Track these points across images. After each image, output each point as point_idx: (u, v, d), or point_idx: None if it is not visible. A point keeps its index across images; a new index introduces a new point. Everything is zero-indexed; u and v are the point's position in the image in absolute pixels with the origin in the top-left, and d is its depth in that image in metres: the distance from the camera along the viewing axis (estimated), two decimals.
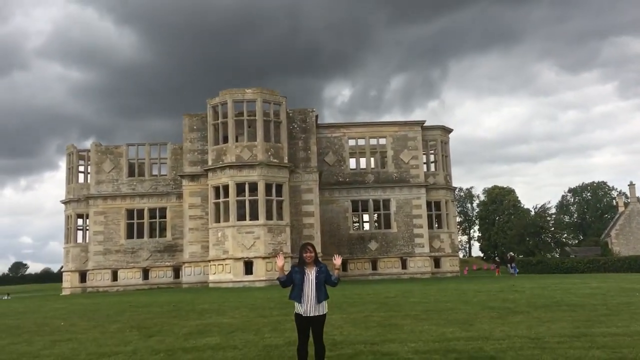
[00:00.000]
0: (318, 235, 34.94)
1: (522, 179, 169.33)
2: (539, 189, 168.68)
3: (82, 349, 11.00)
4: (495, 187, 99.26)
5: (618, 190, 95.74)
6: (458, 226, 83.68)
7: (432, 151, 41.95)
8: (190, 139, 36.86)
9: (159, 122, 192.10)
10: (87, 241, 39.89)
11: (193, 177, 36.10)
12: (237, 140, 34.01)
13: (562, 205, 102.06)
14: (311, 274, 7.66)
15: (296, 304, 7.80)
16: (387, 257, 38.17)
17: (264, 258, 31.93)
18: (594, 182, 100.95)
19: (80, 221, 41.32)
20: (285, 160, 34.23)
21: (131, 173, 39.45)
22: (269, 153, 33.53)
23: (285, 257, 8.02)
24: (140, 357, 9.76)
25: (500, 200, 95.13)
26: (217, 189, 33.58)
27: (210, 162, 34.23)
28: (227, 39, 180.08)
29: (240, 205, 33.19)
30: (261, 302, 19.03)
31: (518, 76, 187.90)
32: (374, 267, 38.12)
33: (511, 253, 48.62)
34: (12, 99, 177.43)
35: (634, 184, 68.06)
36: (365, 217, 42.76)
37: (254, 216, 32.57)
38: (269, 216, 32.82)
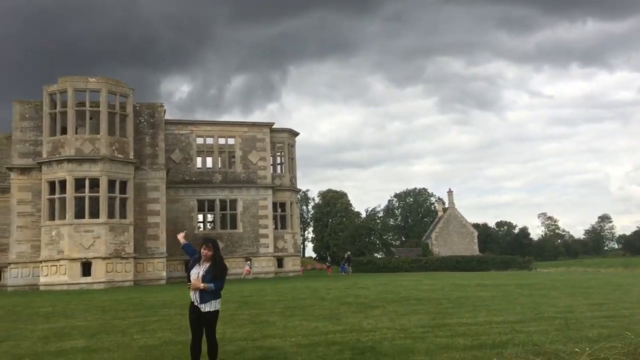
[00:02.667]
0: (164, 235, 33.77)
1: (353, 184, 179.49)
2: (368, 194, 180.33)
3: None
4: (329, 191, 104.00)
5: (436, 196, 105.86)
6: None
7: (279, 153, 42.85)
8: (22, 128, 33.35)
9: None
10: None
11: (23, 170, 32.73)
12: (76, 132, 31.65)
13: (388, 209, 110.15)
14: (201, 270, 7.43)
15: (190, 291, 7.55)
16: (232, 257, 38.01)
17: (104, 258, 30.08)
18: (415, 189, 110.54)
19: None
20: (131, 156, 32.61)
21: None
22: (114, 147, 31.69)
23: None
24: None
25: (334, 203, 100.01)
26: (52, 183, 30.90)
27: (45, 155, 31.38)
28: (55, 21, 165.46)
29: (79, 201, 30.93)
30: (110, 304, 18.02)
31: (352, 86, 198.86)
32: None
33: (348, 253, 51.42)
34: None
35: (452, 191, 75.88)
36: (211, 217, 42.28)
37: (94, 214, 30.58)
38: (111, 214, 31.02)
